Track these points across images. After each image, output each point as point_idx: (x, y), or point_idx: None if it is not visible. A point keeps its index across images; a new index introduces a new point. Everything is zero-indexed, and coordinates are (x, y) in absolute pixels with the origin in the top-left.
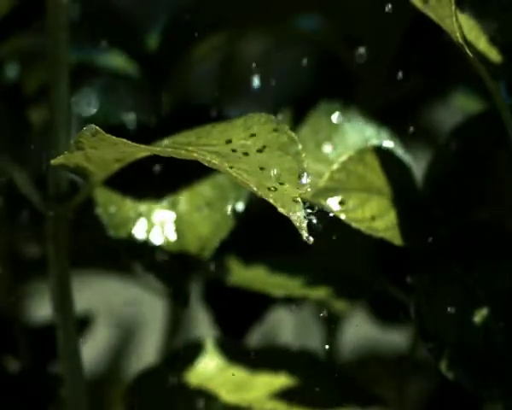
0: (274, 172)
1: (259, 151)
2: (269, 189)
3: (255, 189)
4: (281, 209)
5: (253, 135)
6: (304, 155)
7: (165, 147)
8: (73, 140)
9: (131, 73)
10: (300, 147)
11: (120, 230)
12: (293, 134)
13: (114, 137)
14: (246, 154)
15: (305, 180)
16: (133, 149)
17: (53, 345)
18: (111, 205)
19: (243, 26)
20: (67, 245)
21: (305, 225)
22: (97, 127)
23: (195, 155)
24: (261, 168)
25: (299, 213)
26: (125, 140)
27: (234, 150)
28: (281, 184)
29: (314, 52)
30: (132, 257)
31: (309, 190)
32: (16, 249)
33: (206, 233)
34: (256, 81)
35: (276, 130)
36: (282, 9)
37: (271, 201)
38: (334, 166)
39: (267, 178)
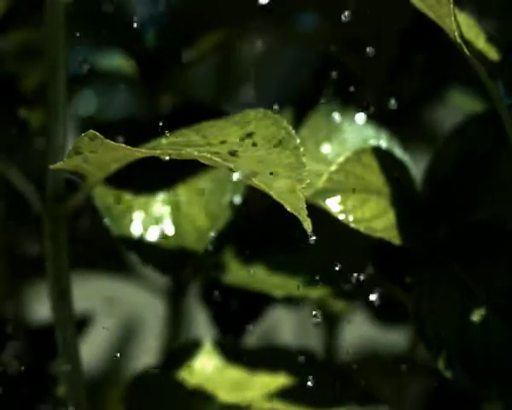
0: (274, 168)
1: (258, 147)
2: (271, 185)
3: (262, 185)
4: (286, 205)
5: (251, 131)
6: (302, 149)
7: (165, 148)
8: (72, 146)
9: (130, 72)
10: (298, 141)
11: (118, 221)
12: (290, 128)
13: (113, 143)
14: (245, 151)
15: (304, 174)
16: (132, 153)
17: (53, 345)
18: (109, 197)
19: (243, 26)
20: (66, 245)
21: (308, 219)
22: (96, 132)
23: (196, 153)
24: (261, 165)
25: (302, 208)
26: (123, 145)
27: (233, 148)
28: (282, 179)
29: (314, 52)
30: (130, 249)
31: (308, 181)
32: (16, 249)
33: (203, 224)
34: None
35: (273, 125)
36: (282, 9)
37: (275, 197)
38: (332, 166)
39: (268, 174)
